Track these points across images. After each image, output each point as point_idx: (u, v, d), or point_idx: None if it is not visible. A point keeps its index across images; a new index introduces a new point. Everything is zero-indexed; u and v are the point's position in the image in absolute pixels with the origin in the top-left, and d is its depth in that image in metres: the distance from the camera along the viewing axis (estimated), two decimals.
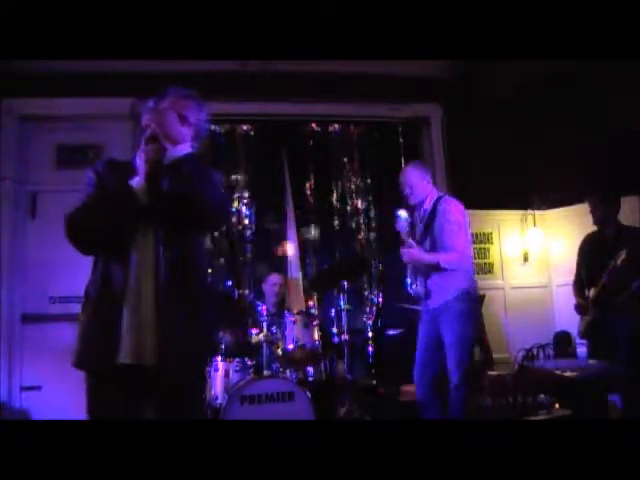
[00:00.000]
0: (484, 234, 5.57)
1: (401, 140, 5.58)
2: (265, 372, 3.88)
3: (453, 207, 3.45)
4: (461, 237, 3.37)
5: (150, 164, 1.81)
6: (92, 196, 1.86)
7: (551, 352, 4.10)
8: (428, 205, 3.50)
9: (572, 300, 4.28)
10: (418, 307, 3.66)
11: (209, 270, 2.02)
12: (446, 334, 3.34)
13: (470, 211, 5.45)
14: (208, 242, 2.06)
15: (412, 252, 3.40)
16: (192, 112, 1.98)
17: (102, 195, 1.85)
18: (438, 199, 3.50)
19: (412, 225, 3.53)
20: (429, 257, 3.37)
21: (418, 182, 3.52)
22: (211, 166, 1.97)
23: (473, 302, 3.46)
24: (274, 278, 4.74)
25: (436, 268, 3.34)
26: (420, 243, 3.45)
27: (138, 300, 1.79)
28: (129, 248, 1.82)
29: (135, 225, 1.83)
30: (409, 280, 3.57)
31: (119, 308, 1.78)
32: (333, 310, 4.32)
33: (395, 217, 3.49)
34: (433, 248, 3.40)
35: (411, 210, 3.61)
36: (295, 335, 4.03)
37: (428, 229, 3.44)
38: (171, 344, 1.77)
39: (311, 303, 5.18)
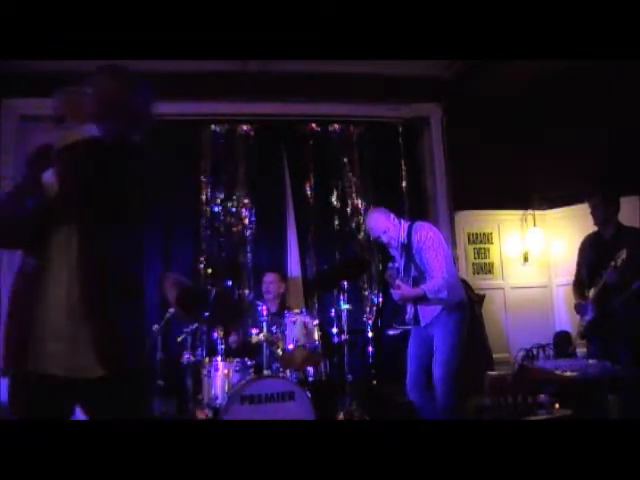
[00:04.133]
0: (484, 234, 5.58)
1: (401, 140, 5.57)
2: (265, 372, 3.87)
3: (425, 232, 3.64)
4: (439, 259, 3.56)
5: None
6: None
7: (551, 352, 4.10)
8: (403, 237, 3.69)
9: (572, 300, 4.28)
10: (408, 327, 3.84)
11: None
12: (437, 343, 3.54)
13: (470, 211, 5.53)
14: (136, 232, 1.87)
15: (401, 292, 3.63)
16: None
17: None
18: (410, 228, 3.69)
19: (397, 269, 3.78)
20: (415, 292, 3.60)
21: (388, 223, 3.71)
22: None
23: (462, 309, 3.62)
24: (269, 277, 4.74)
25: (422, 298, 3.58)
26: (406, 274, 3.68)
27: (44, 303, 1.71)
28: (44, 245, 1.73)
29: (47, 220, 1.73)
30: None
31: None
32: (333, 310, 4.32)
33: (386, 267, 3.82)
34: (418, 274, 3.63)
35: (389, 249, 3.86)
36: (295, 335, 4.03)
37: (409, 259, 3.66)
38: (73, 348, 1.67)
39: (311, 303, 5.19)
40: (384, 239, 3.73)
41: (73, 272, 1.70)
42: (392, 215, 3.76)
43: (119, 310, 1.74)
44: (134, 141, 1.88)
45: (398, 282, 3.63)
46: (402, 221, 3.77)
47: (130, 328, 1.78)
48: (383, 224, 3.71)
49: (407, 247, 3.65)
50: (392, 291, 3.71)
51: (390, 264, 3.79)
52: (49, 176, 1.72)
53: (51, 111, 1.73)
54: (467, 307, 3.69)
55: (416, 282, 3.63)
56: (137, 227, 1.86)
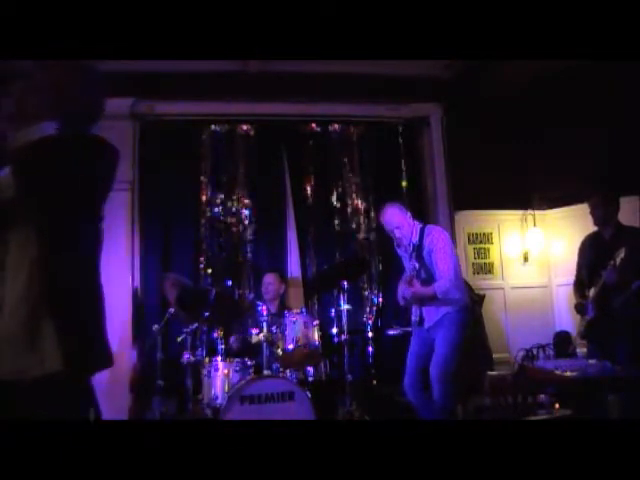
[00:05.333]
0: (484, 234, 5.58)
1: (401, 140, 5.58)
2: (265, 372, 3.87)
3: (437, 235, 3.67)
4: (449, 262, 3.60)
5: None
6: None
7: (551, 352, 4.10)
8: (415, 238, 3.71)
9: (572, 300, 4.28)
10: (410, 329, 3.86)
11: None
12: (437, 343, 3.55)
13: (470, 211, 5.53)
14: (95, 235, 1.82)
15: (414, 289, 3.63)
16: None
17: None
18: (422, 230, 3.72)
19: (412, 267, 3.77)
20: (428, 291, 3.60)
21: (403, 220, 3.73)
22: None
23: (465, 313, 3.63)
24: (268, 277, 4.76)
25: (432, 298, 3.59)
26: (417, 275, 3.67)
27: None
28: (1, 245, 1.66)
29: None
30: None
31: None
32: (333, 310, 4.32)
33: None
34: (427, 277, 3.64)
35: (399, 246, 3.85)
36: (295, 335, 4.03)
37: (420, 260, 3.67)
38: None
39: (311, 303, 5.19)
40: (396, 234, 3.74)
41: (31, 272, 1.65)
42: (409, 214, 3.79)
43: (79, 308, 1.71)
44: (90, 136, 1.84)
45: (415, 281, 3.64)
46: (415, 222, 3.79)
47: (91, 326, 1.74)
48: (398, 219, 3.73)
49: (418, 248, 3.66)
50: (403, 288, 3.70)
51: (411, 263, 3.78)
52: (3, 174, 1.64)
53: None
54: (469, 310, 3.70)
55: (424, 285, 3.64)
56: (97, 225, 1.80)
